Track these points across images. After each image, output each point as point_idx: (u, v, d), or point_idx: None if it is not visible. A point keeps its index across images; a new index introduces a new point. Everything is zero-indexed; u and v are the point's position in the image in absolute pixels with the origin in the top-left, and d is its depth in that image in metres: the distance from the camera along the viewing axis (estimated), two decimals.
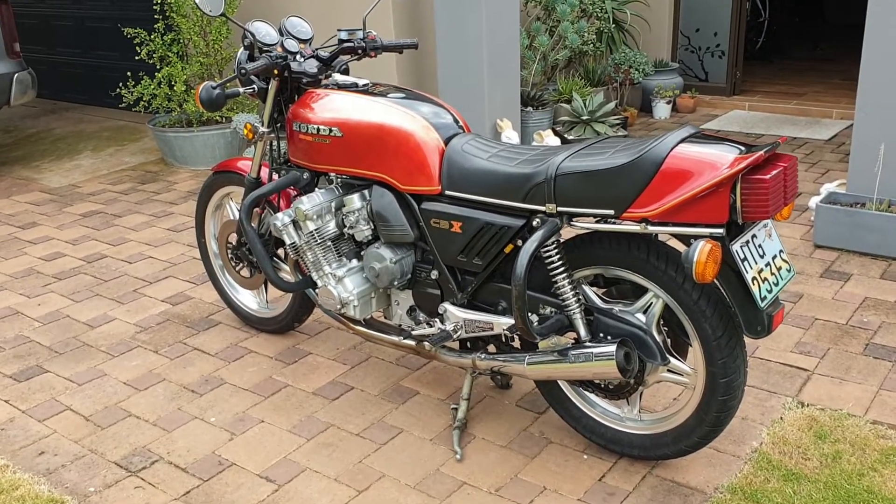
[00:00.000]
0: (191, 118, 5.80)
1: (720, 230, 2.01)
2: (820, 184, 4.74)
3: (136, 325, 3.56)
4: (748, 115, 6.65)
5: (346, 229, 2.73)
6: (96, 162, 6.18)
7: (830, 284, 3.58)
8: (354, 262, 2.76)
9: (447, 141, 2.50)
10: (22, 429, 2.83)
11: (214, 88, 2.75)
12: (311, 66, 2.80)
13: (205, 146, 5.77)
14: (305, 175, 2.82)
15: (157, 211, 5.01)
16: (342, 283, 2.70)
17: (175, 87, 5.63)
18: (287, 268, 3.06)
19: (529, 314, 2.40)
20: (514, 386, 2.93)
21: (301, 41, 2.88)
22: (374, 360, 3.17)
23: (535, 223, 2.28)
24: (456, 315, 2.52)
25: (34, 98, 6.23)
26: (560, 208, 2.21)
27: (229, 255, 3.33)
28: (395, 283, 2.62)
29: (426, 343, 2.64)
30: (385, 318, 2.84)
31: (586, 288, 2.38)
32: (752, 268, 2.06)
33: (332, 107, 2.67)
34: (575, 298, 2.29)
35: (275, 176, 3.00)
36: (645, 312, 2.28)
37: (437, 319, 2.61)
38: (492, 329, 2.46)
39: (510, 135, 5.12)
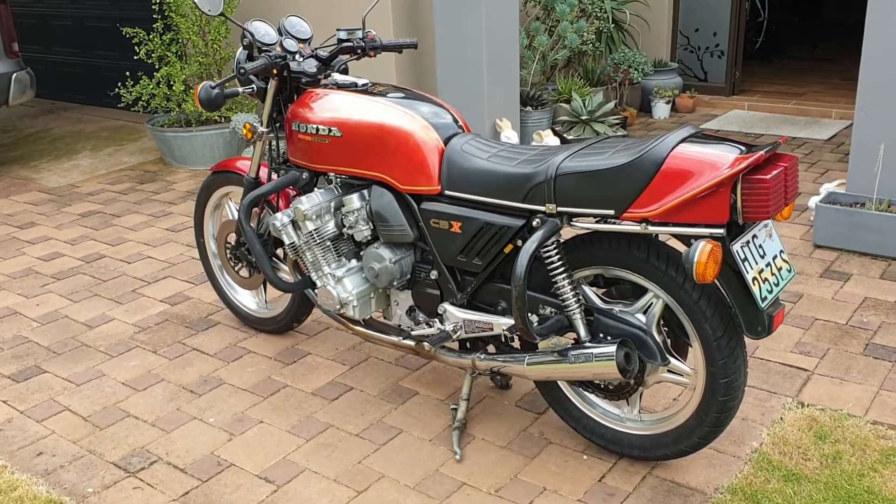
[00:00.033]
0: (190, 118, 5.79)
1: (721, 230, 2.01)
2: (819, 184, 4.74)
3: (135, 325, 3.55)
4: (747, 115, 6.65)
5: (345, 229, 2.72)
6: (95, 162, 6.18)
7: (830, 284, 3.57)
8: (354, 262, 2.75)
9: (447, 141, 2.50)
10: (20, 429, 2.82)
11: (213, 88, 2.75)
12: (311, 65, 2.79)
13: (203, 146, 5.76)
14: (304, 175, 2.81)
15: (155, 211, 5.01)
16: (341, 284, 2.69)
17: (174, 87, 5.62)
18: (286, 268, 3.05)
19: (529, 314, 2.40)
20: (513, 386, 2.92)
21: (300, 41, 2.87)
22: (373, 360, 3.17)
23: (534, 223, 2.28)
24: (455, 315, 2.52)
25: (33, 98, 6.22)
26: (560, 208, 2.21)
27: (228, 255, 3.32)
28: (395, 283, 2.62)
29: (426, 343, 2.63)
30: (384, 318, 2.84)
31: (586, 288, 2.37)
32: (752, 268, 2.06)
33: (331, 106, 2.66)
34: (575, 299, 2.29)
35: (274, 176, 2.99)
36: (645, 313, 2.27)
37: (436, 320, 2.60)
38: (491, 329, 2.46)
39: (509, 134, 5.12)
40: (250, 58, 2.86)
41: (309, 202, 2.65)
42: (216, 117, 5.82)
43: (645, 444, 2.42)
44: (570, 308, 2.30)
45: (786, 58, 8.73)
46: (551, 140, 5.56)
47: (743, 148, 2.01)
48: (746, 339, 2.21)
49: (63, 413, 2.91)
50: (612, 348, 2.21)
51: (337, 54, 2.85)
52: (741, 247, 2.05)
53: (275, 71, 2.77)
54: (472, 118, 5.07)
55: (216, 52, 5.75)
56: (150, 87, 5.71)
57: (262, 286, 3.38)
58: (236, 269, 3.33)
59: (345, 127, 2.60)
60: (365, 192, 2.66)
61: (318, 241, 2.70)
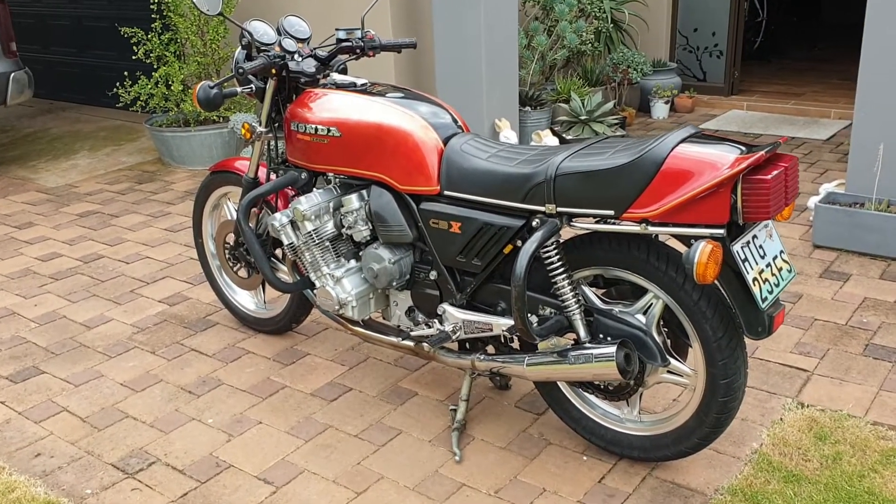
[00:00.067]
0: (188, 118, 5.78)
1: (721, 231, 2.00)
2: (819, 184, 4.74)
3: (133, 325, 3.54)
4: (746, 115, 6.65)
5: (344, 230, 2.71)
6: (93, 162, 6.17)
7: (830, 285, 3.57)
8: (353, 262, 2.75)
9: (446, 141, 2.49)
10: (18, 430, 2.82)
11: (212, 88, 2.74)
12: (309, 65, 2.79)
13: (202, 146, 5.75)
14: (303, 175, 2.80)
15: (154, 211, 5.00)
16: (340, 284, 2.69)
17: (172, 87, 5.61)
18: (285, 268, 3.04)
19: (529, 315, 2.39)
20: (513, 387, 2.91)
21: (299, 40, 2.86)
22: (372, 360, 3.16)
23: (534, 223, 2.27)
24: (455, 316, 2.51)
25: (31, 98, 6.21)
26: (560, 209, 2.20)
27: (227, 256, 3.31)
28: (394, 283, 2.61)
29: (425, 344, 2.62)
30: (383, 318, 2.83)
31: (586, 289, 2.37)
32: (752, 268, 2.05)
33: (330, 106, 2.66)
34: (574, 299, 2.28)
35: (273, 176, 2.99)
36: (645, 313, 2.27)
37: (435, 320, 2.59)
38: (491, 330, 2.45)
39: (508, 134, 5.11)
40: (249, 57, 2.86)
41: (308, 202, 2.64)
42: (215, 117, 5.82)
43: (645, 445, 2.42)
44: (569, 308, 2.29)
45: (784, 58, 8.73)
46: (550, 140, 5.56)
47: (743, 148, 2.00)
48: (746, 340, 2.20)
49: (61, 414, 2.90)
50: (612, 349, 2.20)
51: (336, 54, 2.85)
52: (741, 247, 2.04)
53: (273, 71, 2.76)
54: (470, 118, 5.07)
55: (214, 51, 5.74)
56: (149, 86, 5.71)
57: (260, 287, 3.38)
58: (235, 269, 3.32)
59: (344, 127, 2.59)
60: (364, 192, 2.65)
61: (317, 242, 2.69)
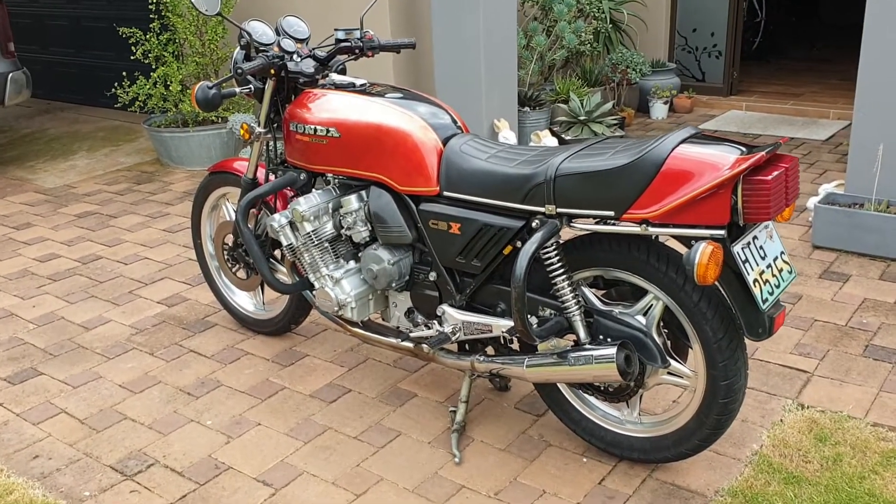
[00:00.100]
0: (186, 118, 5.77)
1: (721, 232, 2.00)
2: (818, 184, 4.73)
3: (132, 326, 3.53)
4: (745, 116, 6.65)
5: (343, 230, 2.71)
6: (91, 162, 6.15)
7: (829, 285, 3.57)
8: (352, 263, 2.74)
9: (445, 141, 2.48)
10: (16, 432, 2.81)
11: (210, 88, 2.74)
12: (308, 65, 2.78)
13: (201, 146, 5.74)
14: (302, 176, 2.80)
15: (152, 211, 4.99)
16: (339, 285, 2.68)
17: (171, 87, 5.60)
18: (284, 269, 3.04)
19: (529, 316, 2.38)
20: (512, 388, 2.91)
21: (298, 41, 2.86)
22: (371, 362, 3.15)
23: (534, 224, 2.26)
24: (454, 317, 2.51)
25: (29, 98, 6.20)
26: (560, 209, 2.20)
27: (225, 257, 3.31)
28: (393, 284, 2.61)
29: (424, 345, 2.62)
30: (383, 319, 2.82)
31: (586, 290, 2.36)
32: (753, 269, 2.05)
33: (329, 107, 2.65)
34: (574, 300, 2.28)
35: (271, 177, 2.98)
36: (645, 314, 2.26)
37: (435, 321, 2.59)
38: (490, 331, 2.45)
39: (507, 135, 5.11)
40: (248, 58, 2.85)
41: (307, 203, 2.64)
42: (213, 118, 5.81)
43: (645, 447, 2.41)
44: (569, 310, 2.28)
45: (783, 58, 8.73)
46: (549, 140, 5.55)
47: (744, 149, 2.00)
48: (746, 341, 2.20)
49: (59, 416, 2.89)
50: (613, 350, 2.19)
51: (335, 54, 2.84)
52: (742, 248, 2.04)
53: (272, 71, 2.75)
54: (469, 118, 5.06)
55: (213, 52, 5.73)
56: (147, 87, 5.70)
57: (259, 288, 3.37)
58: (234, 270, 3.31)
59: (343, 127, 2.59)
60: (363, 192, 2.65)
61: (316, 243, 2.68)
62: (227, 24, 5.74)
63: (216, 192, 3.32)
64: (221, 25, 5.70)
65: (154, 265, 4.17)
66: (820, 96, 6.97)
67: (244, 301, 3.46)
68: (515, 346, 2.54)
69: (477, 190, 2.35)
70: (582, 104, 5.76)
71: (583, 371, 2.25)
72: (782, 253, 2.18)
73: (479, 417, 2.76)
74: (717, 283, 2.09)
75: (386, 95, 2.63)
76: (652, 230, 2.08)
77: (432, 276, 2.56)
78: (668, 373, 2.29)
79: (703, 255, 1.93)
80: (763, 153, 1.96)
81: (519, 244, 2.32)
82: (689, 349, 2.29)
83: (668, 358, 2.26)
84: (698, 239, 2.01)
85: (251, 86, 2.86)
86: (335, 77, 2.80)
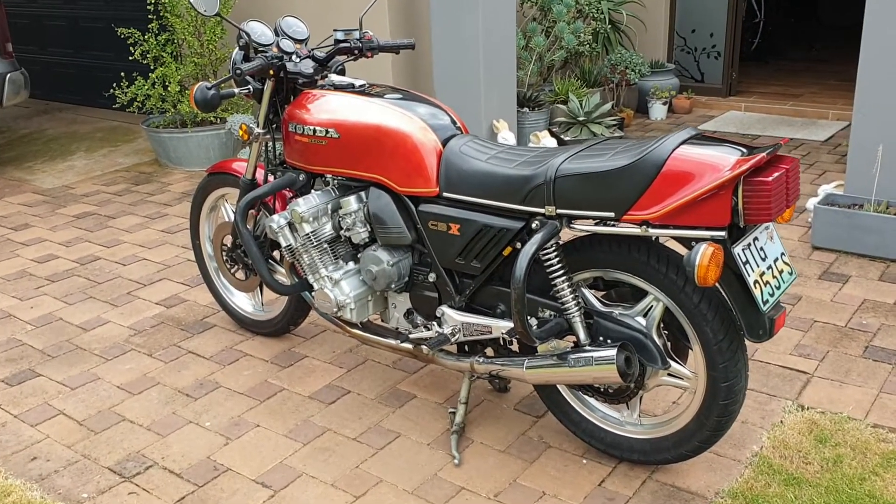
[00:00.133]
0: (185, 119, 5.76)
1: (722, 233, 1.99)
2: (817, 185, 4.73)
3: (130, 327, 3.52)
4: (744, 116, 6.65)
5: (342, 231, 2.70)
6: (90, 163, 6.14)
7: (829, 286, 3.56)
8: (351, 264, 2.73)
9: (445, 142, 2.48)
10: (14, 434, 2.80)
11: (209, 89, 2.73)
12: (307, 66, 2.77)
13: (199, 147, 5.73)
14: (301, 177, 2.79)
15: (151, 212, 4.98)
16: (339, 286, 2.67)
17: (169, 88, 5.60)
18: (283, 270, 3.03)
19: (528, 317, 2.38)
20: (512, 389, 2.90)
21: (297, 41, 2.85)
22: (370, 363, 3.15)
23: (534, 225, 2.26)
24: (454, 318, 2.50)
25: (27, 98, 6.19)
26: (559, 210, 2.19)
27: (224, 258, 3.30)
28: (393, 285, 2.60)
29: (424, 346, 2.61)
30: (382, 321, 2.82)
31: (586, 291, 2.35)
32: (753, 271, 2.04)
33: (328, 108, 2.64)
34: (574, 302, 2.27)
35: (270, 177, 2.97)
36: (645, 316, 2.26)
37: (434, 323, 2.58)
38: (490, 332, 2.44)
39: (506, 136, 5.10)
40: (246, 58, 2.84)
41: (306, 204, 2.63)
42: (212, 118, 5.80)
43: (645, 448, 2.41)
44: (569, 311, 2.28)
45: (782, 59, 8.73)
46: (548, 141, 5.55)
47: (744, 150, 1.99)
48: (746, 342, 2.19)
49: (57, 417, 2.88)
50: (613, 352, 2.19)
51: (334, 55, 2.83)
52: (742, 249, 2.03)
53: (271, 72, 2.75)
54: (468, 119, 5.06)
55: (212, 52, 5.72)
56: (146, 87, 5.69)
57: (258, 289, 3.36)
58: (232, 271, 3.30)
59: (342, 128, 2.58)
60: (362, 193, 2.64)
61: (315, 244, 2.68)
62: (226, 24, 5.73)
63: (215, 193, 3.31)
64: (220, 26, 5.70)
65: (152, 266, 4.16)
66: (819, 97, 6.97)
67: (243, 302, 3.45)
68: (515, 347, 2.54)
69: (476, 191, 2.35)
70: (581, 105, 5.76)
71: (583, 372, 2.25)
72: (783, 254, 2.18)
73: (479, 419, 2.75)
74: (717, 284, 2.09)
75: (385, 96, 2.63)
76: (652, 231, 2.08)
77: (432, 277, 2.56)
78: (669, 374, 2.28)
79: (704, 257, 1.93)
80: (764, 154, 1.95)
81: (519, 245, 2.32)
82: (690, 350, 2.28)
83: (668, 359, 2.25)
84: (699, 240, 2.01)
85: (250, 86, 2.85)
86: (334, 78, 2.80)
